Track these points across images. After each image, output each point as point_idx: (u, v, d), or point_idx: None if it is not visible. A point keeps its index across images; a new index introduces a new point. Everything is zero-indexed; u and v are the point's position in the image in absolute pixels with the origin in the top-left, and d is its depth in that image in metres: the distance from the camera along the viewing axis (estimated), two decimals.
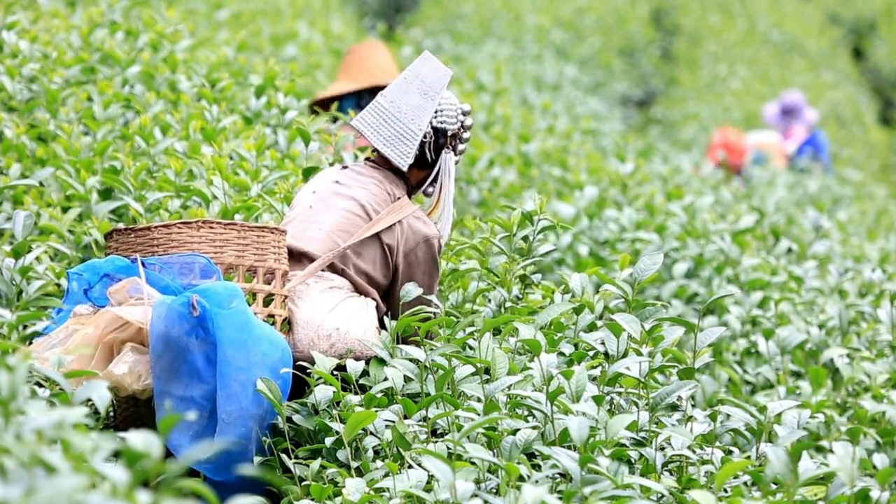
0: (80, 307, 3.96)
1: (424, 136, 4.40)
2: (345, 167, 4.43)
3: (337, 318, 4.14)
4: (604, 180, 8.67)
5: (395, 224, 4.31)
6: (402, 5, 19.32)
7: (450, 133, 4.43)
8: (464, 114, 4.45)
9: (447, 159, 4.44)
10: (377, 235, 4.29)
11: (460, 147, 4.47)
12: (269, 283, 4.11)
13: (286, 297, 4.14)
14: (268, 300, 4.11)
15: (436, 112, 4.41)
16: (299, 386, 4.11)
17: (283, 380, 3.92)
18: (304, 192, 4.41)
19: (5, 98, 6.01)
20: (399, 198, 4.37)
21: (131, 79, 6.40)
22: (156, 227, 4.02)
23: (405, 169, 4.38)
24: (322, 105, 6.72)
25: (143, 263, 3.95)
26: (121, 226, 4.09)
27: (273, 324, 4.07)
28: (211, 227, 4.04)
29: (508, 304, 4.48)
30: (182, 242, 4.02)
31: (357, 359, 4.08)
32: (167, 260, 3.97)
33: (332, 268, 4.24)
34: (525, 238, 4.51)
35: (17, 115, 5.85)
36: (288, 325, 4.13)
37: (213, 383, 3.86)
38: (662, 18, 20.77)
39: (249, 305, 4.04)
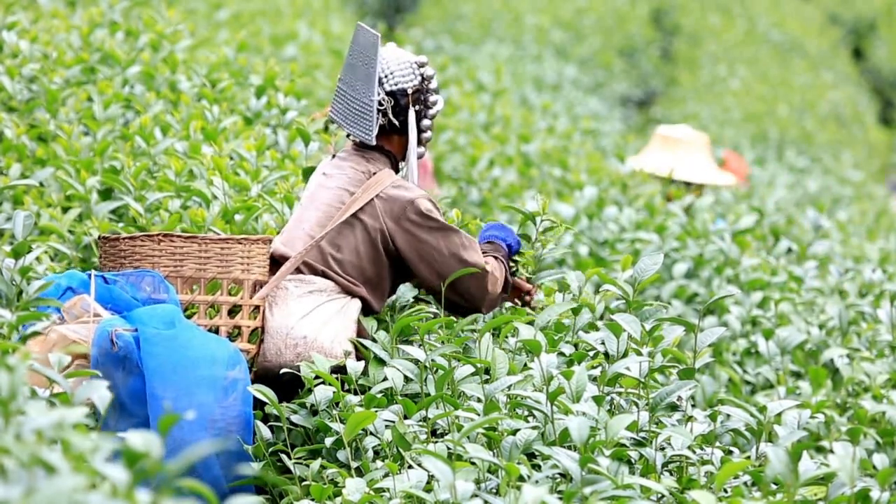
0: (53, 315, 3.95)
1: (380, 104, 4.24)
2: (333, 156, 4.33)
3: (306, 325, 4.05)
4: (604, 180, 8.67)
5: (371, 200, 4.18)
6: (402, 5, 19.32)
7: (410, 91, 4.26)
8: (420, 66, 4.28)
9: (411, 116, 4.25)
10: (356, 218, 4.17)
11: (431, 99, 4.29)
12: (237, 294, 4.05)
13: (258, 306, 4.07)
14: (237, 310, 4.05)
15: (385, 76, 4.24)
16: (291, 387, 4.08)
17: (241, 406, 3.83)
18: (306, 187, 4.37)
19: (5, 98, 6.01)
20: (374, 174, 4.23)
21: (131, 79, 6.40)
22: (123, 239, 4.01)
23: (373, 143, 4.22)
24: None
25: (105, 279, 3.93)
26: (106, 234, 4.08)
27: (238, 335, 4.03)
28: (171, 241, 4.01)
29: (508, 305, 4.48)
30: (144, 255, 4.00)
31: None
32: (124, 274, 3.94)
33: (312, 269, 4.15)
34: (528, 238, 4.50)
35: (17, 115, 5.84)
36: (261, 333, 4.08)
37: (142, 416, 3.76)
38: (662, 19, 20.77)
39: (212, 318, 4.00)
